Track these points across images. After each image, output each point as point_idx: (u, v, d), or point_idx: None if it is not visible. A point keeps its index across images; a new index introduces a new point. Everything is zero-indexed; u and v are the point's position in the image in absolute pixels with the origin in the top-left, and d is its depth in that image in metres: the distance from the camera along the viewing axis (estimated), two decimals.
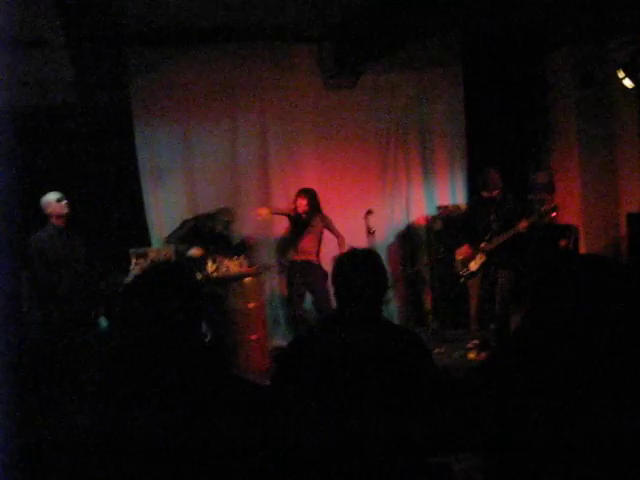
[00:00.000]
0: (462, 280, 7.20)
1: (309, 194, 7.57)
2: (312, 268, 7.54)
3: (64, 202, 6.61)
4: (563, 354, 2.36)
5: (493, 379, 2.55)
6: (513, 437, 2.39)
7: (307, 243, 7.59)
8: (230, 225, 7.73)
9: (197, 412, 2.29)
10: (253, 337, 7.26)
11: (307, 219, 7.57)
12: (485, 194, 6.95)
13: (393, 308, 8.82)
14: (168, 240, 7.58)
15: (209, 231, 7.53)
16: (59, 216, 6.62)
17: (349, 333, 2.91)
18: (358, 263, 3.04)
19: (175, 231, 7.73)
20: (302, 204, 7.54)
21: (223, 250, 7.48)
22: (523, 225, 6.69)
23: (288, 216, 7.76)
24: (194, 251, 7.34)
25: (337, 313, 3.06)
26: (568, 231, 8.22)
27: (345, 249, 6.82)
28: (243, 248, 7.81)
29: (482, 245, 7.01)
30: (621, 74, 7.48)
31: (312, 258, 7.59)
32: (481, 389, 2.58)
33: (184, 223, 7.79)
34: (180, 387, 2.31)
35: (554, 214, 6.79)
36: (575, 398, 2.29)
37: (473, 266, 7.07)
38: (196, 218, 7.77)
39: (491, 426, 2.48)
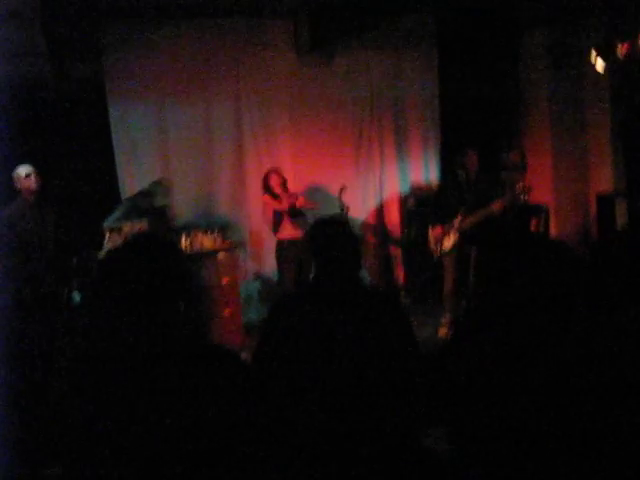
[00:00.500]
0: (436, 258, 7.28)
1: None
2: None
3: (32, 177, 6.54)
4: (518, 332, 2.43)
5: (455, 355, 2.61)
6: (475, 411, 2.46)
7: None
8: (167, 196, 7.62)
9: (179, 386, 2.29)
10: (226, 312, 7.28)
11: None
12: (462, 174, 7.03)
13: (365, 284, 8.86)
14: (106, 224, 7.39)
15: (148, 206, 7.47)
16: (28, 191, 6.57)
17: (329, 300, 2.95)
18: (332, 230, 3.10)
19: (112, 214, 7.64)
20: None
21: (164, 222, 7.47)
22: (497, 206, 6.77)
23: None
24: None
25: (315, 280, 3.09)
26: (539, 211, 8.30)
27: None
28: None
29: (455, 224, 7.08)
30: (594, 54, 7.55)
31: None
32: (445, 364, 2.64)
33: (122, 204, 7.72)
34: (160, 361, 2.31)
35: (527, 195, 6.88)
36: (531, 375, 2.36)
37: (446, 244, 7.15)
38: (133, 197, 7.68)
39: (454, 400, 2.55)
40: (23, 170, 6.54)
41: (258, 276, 8.51)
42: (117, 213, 7.60)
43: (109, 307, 2.48)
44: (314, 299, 3.02)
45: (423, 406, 2.86)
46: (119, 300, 2.42)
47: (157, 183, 7.53)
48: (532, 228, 8.19)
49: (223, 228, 7.91)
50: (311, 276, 3.19)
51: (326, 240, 3.06)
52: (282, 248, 7.52)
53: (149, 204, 7.43)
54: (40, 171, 6.59)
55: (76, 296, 6.88)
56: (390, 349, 2.91)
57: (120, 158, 8.03)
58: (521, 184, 6.80)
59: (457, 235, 7.08)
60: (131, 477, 2.21)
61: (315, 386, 2.82)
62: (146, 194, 7.50)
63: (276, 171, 7.61)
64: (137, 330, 2.36)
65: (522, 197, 6.81)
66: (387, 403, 2.86)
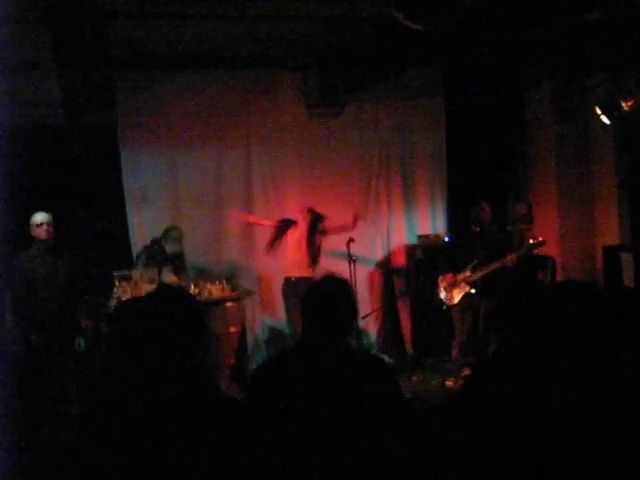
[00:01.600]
0: (445, 308, 7.29)
1: None
2: None
3: (44, 227, 6.63)
4: (535, 380, 2.44)
5: (467, 404, 2.61)
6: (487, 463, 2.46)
7: None
8: (179, 242, 7.63)
9: (191, 434, 2.31)
10: (233, 361, 7.28)
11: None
12: (476, 229, 7.11)
13: (372, 335, 8.86)
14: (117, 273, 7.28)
15: (160, 253, 7.49)
16: (42, 238, 6.65)
17: (314, 358, 2.89)
18: (328, 289, 2.99)
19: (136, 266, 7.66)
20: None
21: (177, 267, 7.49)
22: (511, 258, 6.82)
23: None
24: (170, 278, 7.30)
25: (303, 338, 3.00)
26: (545, 262, 8.33)
27: None
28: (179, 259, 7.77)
29: (467, 275, 7.11)
30: (598, 111, 7.65)
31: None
32: (455, 414, 2.64)
33: (137, 257, 7.74)
34: (174, 408, 2.33)
35: (540, 249, 6.95)
36: (548, 424, 2.37)
37: (457, 294, 7.17)
38: (146, 247, 7.71)
39: (464, 452, 2.55)
40: (36, 220, 6.63)
41: (266, 324, 8.52)
42: (139, 263, 7.58)
43: (127, 355, 2.50)
44: (297, 363, 2.93)
45: (415, 465, 2.84)
46: (138, 348, 2.44)
47: (171, 229, 7.55)
48: (539, 279, 8.22)
49: (231, 276, 7.94)
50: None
51: (316, 302, 2.95)
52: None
53: (160, 251, 7.45)
54: (53, 218, 6.66)
55: (82, 342, 6.89)
56: (376, 413, 2.84)
57: (131, 206, 8.10)
58: (530, 236, 6.85)
59: (468, 286, 7.10)
60: None
61: (300, 450, 2.76)
62: (157, 241, 7.52)
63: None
64: (156, 378, 2.39)
65: (534, 250, 6.87)
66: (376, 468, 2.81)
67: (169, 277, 7.28)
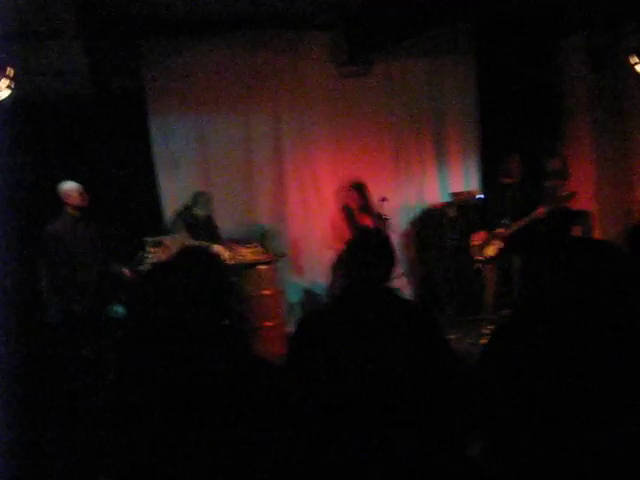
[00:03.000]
0: (478, 266, 7.22)
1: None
2: None
3: (78, 192, 6.64)
4: (562, 334, 2.39)
5: (492, 359, 2.58)
6: (512, 417, 2.43)
7: None
8: (208, 206, 7.63)
9: (222, 398, 2.30)
10: (269, 324, 7.32)
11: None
12: (507, 181, 6.99)
13: (407, 294, 8.82)
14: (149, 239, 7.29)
15: (193, 220, 7.50)
16: (73, 206, 6.66)
17: (356, 311, 2.91)
18: (367, 242, 3.09)
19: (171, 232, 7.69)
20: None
21: (211, 236, 7.49)
22: (540, 212, 6.72)
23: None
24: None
25: (345, 292, 3.07)
26: (582, 217, 8.20)
27: None
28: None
29: (499, 231, 7.02)
30: (634, 60, 7.45)
31: None
32: (482, 369, 2.61)
33: (173, 222, 7.76)
34: (203, 372, 2.32)
35: (570, 201, 6.81)
36: (573, 379, 2.32)
37: (490, 252, 7.09)
38: (178, 213, 7.72)
39: (492, 406, 2.52)
40: (74, 186, 6.64)
41: (300, 286, 8.52)
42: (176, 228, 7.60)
43: (153, 320, 2.50)
44: (342, 311, 2.99)
45: (462, 418, 2.83)
46: (163, 313, 2.43)
47: (200, 194, 7.54)
48: (575, 235, 8.09)
49: (264, 240, 7.94)
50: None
51: (356, 252, 3.04)
52: None
53: (193, 217, 7.47)
54: (84, 186, 6.68)
55: (119, 309, 6.96)
56: (423, 361, 2.86)
57: (161, 172, 8.10)
58: (564, 191, 6.73)
59: (500, 243, 7.01)
60: None
61: (344, 399, 2.78)
62: (188, 208, 7.54)
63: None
64: (182, 343, 2.38)
65: (565, 203, 6.75)
66: (422, 416, 2.81)
67: (201, 242, 7.30)
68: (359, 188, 7.57)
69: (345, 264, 3.08)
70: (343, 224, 7.49)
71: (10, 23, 5.70)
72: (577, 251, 2.46)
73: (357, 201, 7.52)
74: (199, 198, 7.49)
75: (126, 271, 6.88)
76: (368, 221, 7.50)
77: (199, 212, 7.46)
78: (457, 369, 2.95)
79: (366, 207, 7.56)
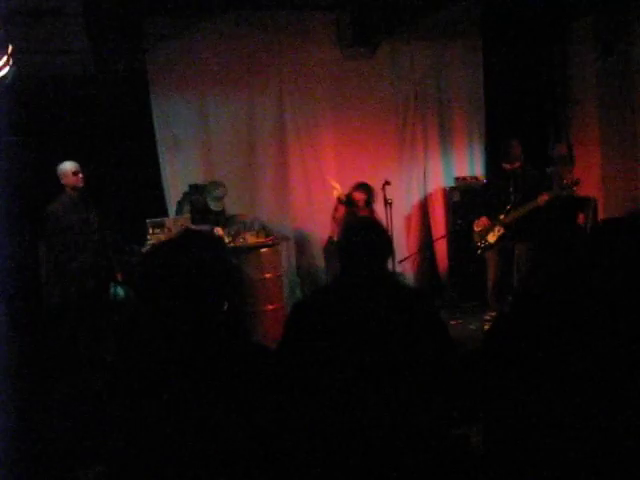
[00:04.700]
0: (479, 252, 7.16)
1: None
2: None
3: (80, 175, 6.59)
4: (564, 322, 2.36)
5: (493, 347, 2.56)
6: (511, 404, 2.41)
7: None
8: (222, 201, 7.60)
9: (218, 382, 2.27)
10: (270, 307, 7.29)
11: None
12: (506, 166, 6.90)
13: (409, 279, 8.79)
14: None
15: (203, 207, 7.46)
16: (73, 186, 6.61)
17: (351, 295, 2.89)
18: (360, 227, 3.08)
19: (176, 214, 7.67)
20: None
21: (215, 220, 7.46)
22: (543, 199, 6.64)
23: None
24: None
25: (340, 276, 3.05)
26: (587, 204, 8.14)
27: None
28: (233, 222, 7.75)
29: (501, 217, 6.96)
30: None
31: None
32: (484, 356, 2.59)
33: (179, 203, 7.74)
34: (200, 356, 2.30)
35: (575, 188, 6.73)
36: (574, 366, 2.30)
37: (491, 238, 7.03)
38: (185, 194, 7.68)
39: (492, 393, 2.50)
40: (68, 166, 6.59)
41: (302, 270, 8.50)
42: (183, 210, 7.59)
43: (153, 302, 2.46)
44: (336, 295, 2.96)
45: (457, 402, 2.80)
46: (163, 295, 2.40)
47: (214, 187, 7.51)
48: (580, 221, 8.04)
49: (266, 223, 7.91)
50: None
51: (349, 236, 3.03)
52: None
53: (204, 205, 7.44)
54: (84, 166, 6.63)
55: (120, 291, 6.94)
56: (419, 344, 2.83)
57: (163, 153, 8.07)
58: (569, 177, 6.66)
59: (502, 228, 6.96)
60: (175, 473, 2.20)
61: (338, 382, 2.76)
62: (200, 194, 7.51)
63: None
64: (180, 326, 2.35)
65: (569, 190, 6.67)
66: (415, 398, 2.78)
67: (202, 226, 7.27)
68: (367, 189, 7.51)
69: (339, 250, 3.04)
70: (343, 215, 7.46)
71: (12, 0, 5.65)
72: (583, 239, 2.43)
73: (363, 199, 7.46)
74: (214, 191, 7.46)
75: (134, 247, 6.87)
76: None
77: (212, 206, 7.44)
78: (454, 356, 2.92)
79: (370, 204, 7.50)
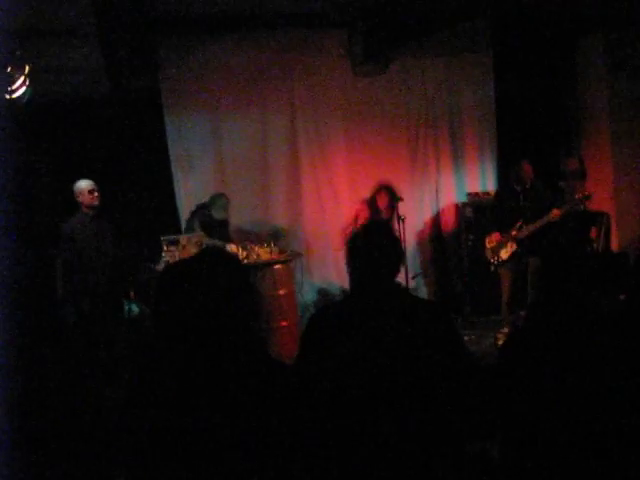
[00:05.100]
0: (493, 268, 7.17)
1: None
2: None
3: (96, 193, 6.64)
4: (575, 340, 2.37)
5: (507, 362, 2.56)
6: (528, 419, 2.41)
7: None
8: (226, 210, 7.64)
9: (236, 399, 2.28)
10: (284, 323, 7.29)
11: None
12: (518, 188, 6.95)
13: (423, 294, 8.78)
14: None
15: (209, 220, 7.50)
16: (88, 205, 6.66)
17: (366, 307, 2.85)
18: (370, 234, 3.00)
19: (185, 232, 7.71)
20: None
21: (224, 236, 7.49)
22: (555, 214, 6.65)
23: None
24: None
25: (354, 288, 2.99)
26: (599, 219, 8.12)
27: None
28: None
29: (513, 233, 6.97)
30: None
31: None
32: (498, 371, 2.59)
33: (187, 222, 7.79)
34: (219, 374, 2.31)
35: (587, 202, 6.73)
36: (585, 384, 2.30)
37: (504, 254, 7.04)
38: (193, 212, 7.72)
39: (508, 408, 2.50)
40: (83, 185, 6.64)
41: (315, 286, 8.50)
42: (194, 228, 7.63)
43: (171, 317, 2.47)
44: (352, 308, 2.91)
45: (472, 417, 2.79)
46: (182, 313, 2.41)
47: (218, 197, 7.55)
48: (592, 236, 8.02)
49: (279, 239, 7.93)
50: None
51: (358, 247, 2.95)
52: None
53: (209, 217, 7.47)
54: (99, 185, 6.68)
55: (135, 308, 6.96)
56: (435, 359, 2.78)
57: (177, 171, 8.11)
58: (580, 192, 6.66)
59: (515, 244, 6.96)
60: None
61: (354, 394, 2.74)
62: (205, 208, 7.54)
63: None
64: (199, 344, 2.36)
65: (581, 205, 6.67)
66: (430, 412, 2.76)
67: (216, 242, 7.29)
68: (388, 189, 7.55)
69: (349, 259, 2.96)
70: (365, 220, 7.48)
71: (27, 20, 5.71)
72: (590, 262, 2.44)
73: (387, 202, 7.49)
74: (217, 201, 7.51)
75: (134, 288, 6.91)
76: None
77: (215, 215, 7.47)
78: (473, 370, 2.90)
79: (393, 206, 7.54)
